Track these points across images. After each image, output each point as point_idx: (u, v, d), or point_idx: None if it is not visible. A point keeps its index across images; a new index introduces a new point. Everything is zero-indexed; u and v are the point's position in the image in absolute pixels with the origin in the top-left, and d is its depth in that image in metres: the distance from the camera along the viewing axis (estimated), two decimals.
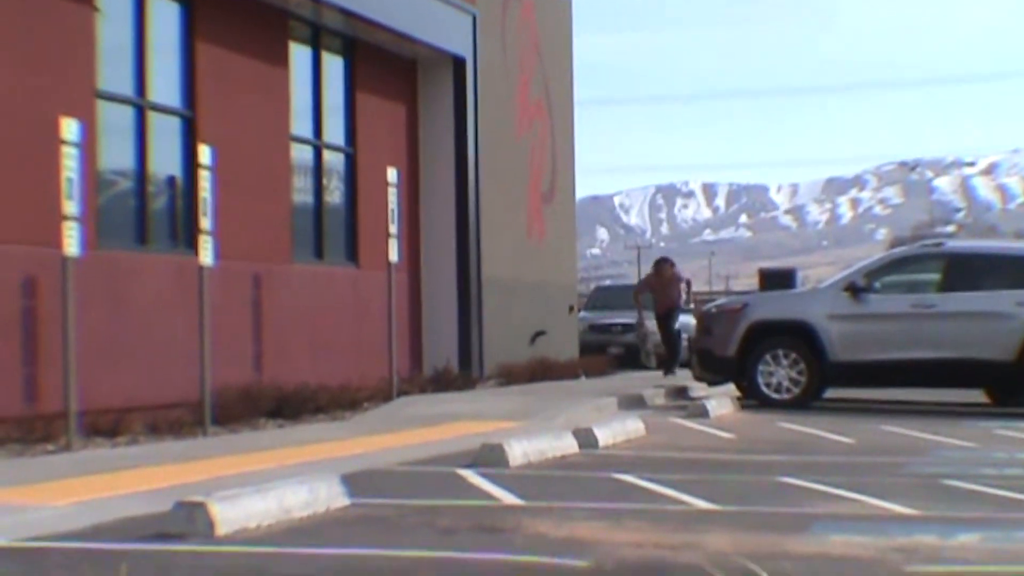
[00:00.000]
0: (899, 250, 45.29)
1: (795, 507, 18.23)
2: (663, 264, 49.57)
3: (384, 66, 40.52)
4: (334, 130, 38.82)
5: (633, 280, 78.13)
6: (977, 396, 33.98)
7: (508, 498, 19.22)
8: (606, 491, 20.10)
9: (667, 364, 45.22)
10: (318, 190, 37.98)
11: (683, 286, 49.29)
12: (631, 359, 52.09)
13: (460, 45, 42.54)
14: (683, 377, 42.68)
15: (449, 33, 41.60)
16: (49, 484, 19.09)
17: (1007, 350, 33.56)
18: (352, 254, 39.22)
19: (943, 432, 28.76)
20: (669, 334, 46.72)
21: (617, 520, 16.88)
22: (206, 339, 27.67)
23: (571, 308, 53.65)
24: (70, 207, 24.07)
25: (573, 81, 56.86)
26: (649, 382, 42.13)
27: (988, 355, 33.74)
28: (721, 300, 44.56)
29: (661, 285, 48.28)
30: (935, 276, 35.77)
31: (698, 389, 36.77)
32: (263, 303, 33.08)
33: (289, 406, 30.40)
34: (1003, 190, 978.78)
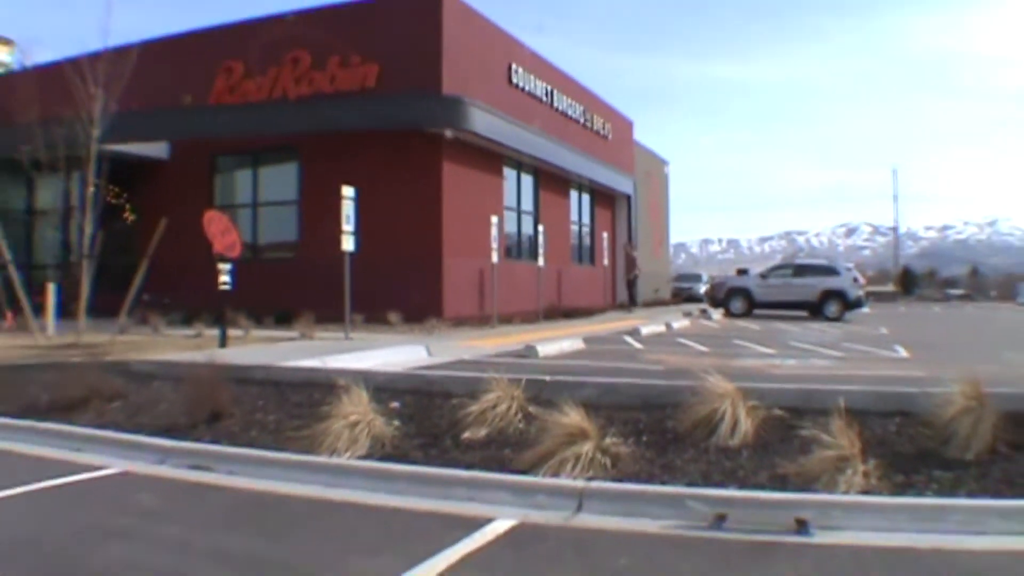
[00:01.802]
0: (778, 262, 44.92)
1: (735, 350, 18.64)
2: (625, 245, 40.94)
3: (603, 197, 39.97)
4: (585, 219, 38.28)
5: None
6: (804, 315, 33.73)
7: (638, 346, 19.66)
8: (672, 344, 20.34)
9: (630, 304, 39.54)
10: (580, 239, 37.61)
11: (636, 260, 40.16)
12: (688, 300, 51.57)
13: (629, 190, 42.00)
14: (703, 305, 41.95)
15: (625, 185, 41.08)
16: (484, 340, 19.46)
17: (813, 297, 33.44)
18: (592, 261, 38.79)
19: (792, 325, 28.44)
20: (629, 288, 40.30)
21: (673, 353, 17.52)
22: (540, 290, 27.91)
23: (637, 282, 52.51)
24: (494, 246, 24.37)
25: (669, 202, 56.01)
26: (695, 307, 41.31)
27: (808, 299, 33.64)
28: (718, 279, 43.95)
29: (627, 259, 40.22)
30: (790, 271, 35.63)
31: (709, 310, 36.55)
32: (563, 280, 32.73)
33: (570, 313, 30.16)
34: None
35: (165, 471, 8.10)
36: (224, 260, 16.56)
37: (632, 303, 38.96)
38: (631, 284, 39.64)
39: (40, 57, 23.61)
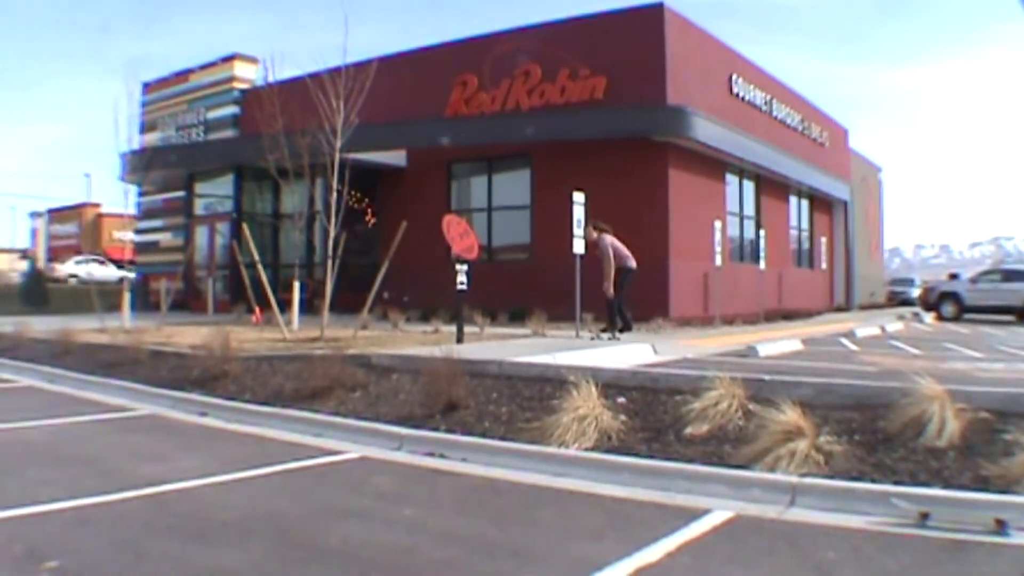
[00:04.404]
0: (987, 267, 43.52)
1: (944, 353, 18.20)
2: (587, 229, 19.39)
3: (821, 203, 39.35)
4: (804, 223, 37.78)
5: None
6: (1012, 320, 32.75)
7: (853, 348, 19.32)
8: (886, 346, 20.01)
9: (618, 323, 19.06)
10: (799, 243, 37.01)
11: (606, 256, 18.86)
12: (902, 303, 50.56)
13: (846, 196, 41.23)
14: (915, 309, 40.71)
15: (842, 191, 40.29)
16: (707, 339, 19.40)
17: (1021, 302, 32.87)
18: (811, 265, 38.25)
19: (999, 330, 27.53)
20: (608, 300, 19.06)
21: (887, 355, 17.19)
22: (761, 293, 27.80)
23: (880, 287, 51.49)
24: (717, 249, 24.48)
25: (883, 208, 54.47)
26: (908, 311, 40.50)
27: (1016, 304, 33.02)
28: (930, 284, 42.58)
29: (594, 255, 19.26)
30: (998, 276, 34.91)
31: (921, 313, 35.58)
32: (783, 283, 32.21)
33: (789, 315, 29.65)
34: None
35: (401, 457, 8.43)
36: (462, 261, 16.85)
37: (621, 320, 19.14)
38: (617, 288, 19.06)
39: (282, 74, 24.41)
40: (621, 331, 18.80)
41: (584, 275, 19.47)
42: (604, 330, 18.90)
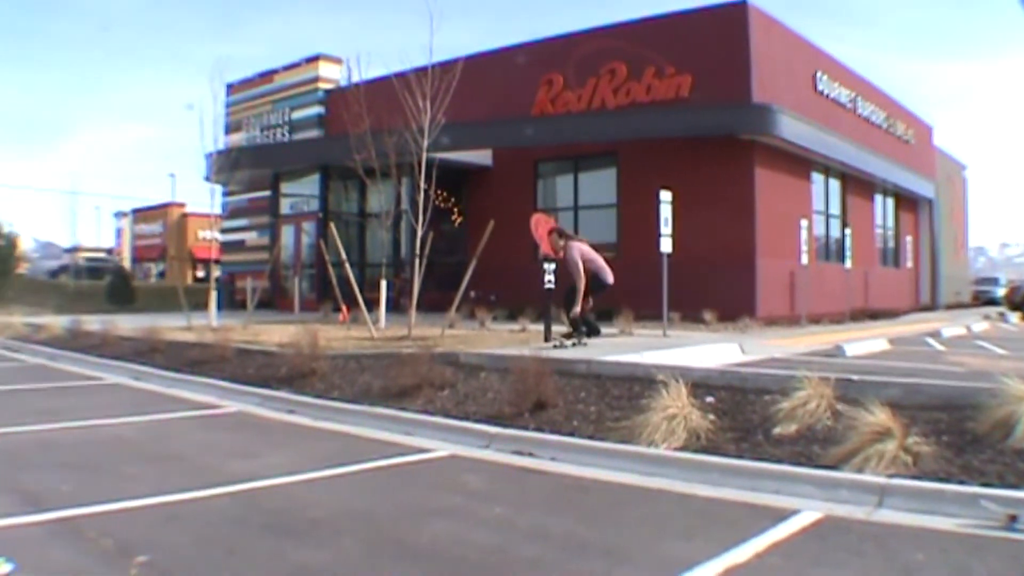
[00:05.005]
0: None
1: None
2: (552, 235, 16.17)
3: (906, 201, 38.97)
4: (889, 222, 37.38)
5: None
6: None
7: (940, 348, 19.08)
8: (972, 346, 19.73)
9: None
10: (884, 242, 36.72)
11: (576, 269, 15.38)
12: (987, 303, 50.10)
13: (931, 194, 40.67)
14: (1001, 308, 40.31)
15: (927, 190, 39.73)
16: (794, 339, 19.34)
17: None
18: (896, 263, 37.81)
19: None
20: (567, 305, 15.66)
21: (975, 355, 16.96)
22: (847, 292, 27.64)
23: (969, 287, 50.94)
24: (803, 248, 24.39)
25: (968, 206, 53.77)
26: (993, 310, 39.81)
27: None
28: (1016, 283, 41.66)
29: (557, 260, 16.30)
30: None
31: (1007, 313, 35.19)
32: (869, 282, 31.98)
33: (875, 315, 29.35)
34: None
35: (490, 455, 8.46)
36: (549, 260, 16.69)
37: (586, 326, 15.86)
38: (585, 299, 15.72)
39: (367, 74, 24.53)
40: (589, 335, 15.86)
41: (670, 274, 19.48)
42: (568, 336, 15.55)
